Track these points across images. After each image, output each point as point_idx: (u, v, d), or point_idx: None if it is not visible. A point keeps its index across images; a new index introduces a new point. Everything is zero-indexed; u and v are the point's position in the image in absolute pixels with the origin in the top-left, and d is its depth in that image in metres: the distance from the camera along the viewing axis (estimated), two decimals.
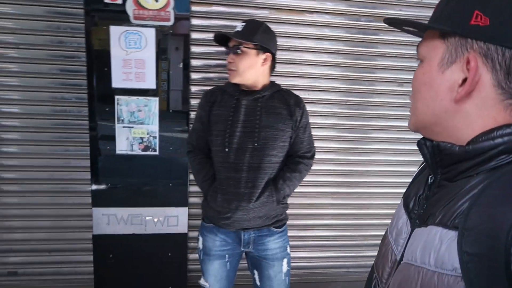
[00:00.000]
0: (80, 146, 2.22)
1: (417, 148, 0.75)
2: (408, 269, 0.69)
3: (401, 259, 0.73)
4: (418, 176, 0.88)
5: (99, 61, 2.04)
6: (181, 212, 2.27)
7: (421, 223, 0.71)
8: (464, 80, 0.63)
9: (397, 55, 2.45)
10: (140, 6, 1.99)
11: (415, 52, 0.76)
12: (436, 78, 0.67)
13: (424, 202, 0.74)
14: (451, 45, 0.65)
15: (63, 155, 2.27)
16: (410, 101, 0.76)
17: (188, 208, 2.33)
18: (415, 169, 0.92)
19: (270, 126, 1.73)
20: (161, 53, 2.07)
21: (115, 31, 2.00)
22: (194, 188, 2.37)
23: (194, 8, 2.17)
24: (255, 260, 1.85)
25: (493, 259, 0.53)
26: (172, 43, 2.08)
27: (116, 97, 2.07)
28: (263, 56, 1.72)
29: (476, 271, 0.55)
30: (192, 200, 2.38)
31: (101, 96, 2.08)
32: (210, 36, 2.23)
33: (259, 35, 1.69)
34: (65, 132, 2.24)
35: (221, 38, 1.74)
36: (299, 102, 1.81)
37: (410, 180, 0.89)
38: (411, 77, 0.75)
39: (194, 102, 2.27)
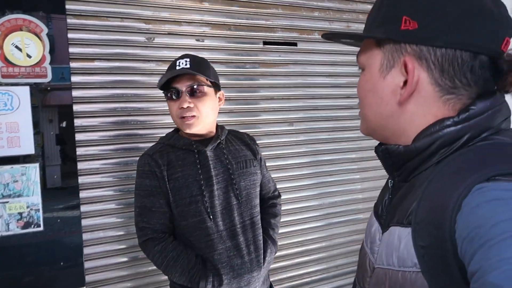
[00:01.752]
0: None
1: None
2: (378, 273, 0.70)
3: None
4: (385, 184, 0.90)
5: None
6: None
7: (385, 226, 0.74)
8: (405, 82, 0.67)
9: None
10: (9, 63, 1.75)
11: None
12: (378, 84, 0.71)
13: (388, 206, 0.77)
14: (387, 51, 0.69)
15: None
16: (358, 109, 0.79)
17: None
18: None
19: (244, 172, 1.51)
20: (40, 112, 1.83)
21: None
22: (91, 264, 2.05)
23: (74, 64, 2.00)
24: None
25: (442, 248, 0.55)
26: (52, 101, 1.86)
27: None
28: (218, 94, 1.52)
29: (431, 263, 0.56)
30: (90, 278, 2.04)
31: None
32: (92, 92, 2.08)
33: (211, 70, 1.46)
34: None
35: (166, 81, 1.41)
36: (253, 139, 1.65)
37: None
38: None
39: (82, 165, 2.02)
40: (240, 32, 2.43)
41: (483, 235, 0.49)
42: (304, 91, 2.62)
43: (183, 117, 1.42)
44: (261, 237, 1.54)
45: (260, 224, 1.56)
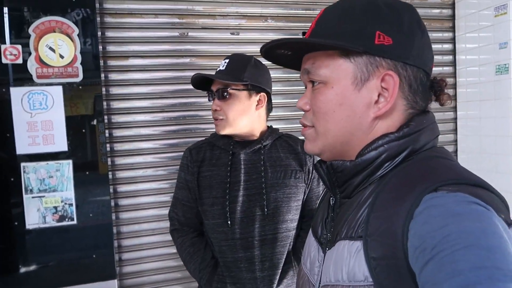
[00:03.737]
0: None
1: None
2: None
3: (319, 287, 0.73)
4: (321, 202, 0.90)
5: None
6: (110, 286, 2.00)
7: (331, 244, 0.72)
8: (378, 95, 0.67)
9: None
10: (44, 64, 1.83)
11: None
12: (351, 97, 0.68)
13: (331, 224, 0.76)
14: (360, 64, 0.67)
15: None
16: (305, 126, 0.76)
17: (119, 280, 2.07)
18: None
19: (279, 183, 1.39)
20: (72, 110, 1.90)
21: (17, 93, 1.82)
22: (125, 256, 2.12)
23: (107, 62, 2.05)
24: None
25: (395, 257, 0.56)
26: (84, 98, 1.93)
27: (22, 164, 1.84)
28: (256, 97, 1.40)
29: (385, 274, 0.57)
30: (124, 270, 2.12)
31: (4, 165, 1.84)
32: (127, 90, 2.12)
33: (248, 72, 1.37)
34: None
35: (201, 82, 1.41)
36: None
37: None
38: None
39: (114, 160, 2.09)
40: (277, 23, 2.31)
41: (435, 245, 0.50)
42: None
43: (215, 119, 1.41)
44: (283, 255, 1.41)
45: (287, 242, 1.42)
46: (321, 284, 0.72)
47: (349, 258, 0.63)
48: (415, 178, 0.61)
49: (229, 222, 1.35)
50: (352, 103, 0.69)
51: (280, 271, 1.40)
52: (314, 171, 1.48)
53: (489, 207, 0.54)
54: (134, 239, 2.15)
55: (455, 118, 2.61)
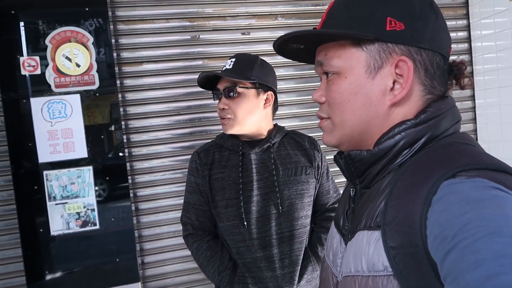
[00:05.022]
0: (9, 234, 1.98)
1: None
2: (345, 281, 0.68)
3: None
4: (343, 194, 0.89)
5: (21, 137, 1.87)
6: None
7: (351, 235, 0.71)
8: (393, 82, 0.67)
9: None
10: (61, 74, 1.88)
11: None
12: (366, 85, 0.68)
13: (351, 215, 0.75)
14: (372, 51, 0.66)
15: None
16: (321, 118, 0.75)
17: (142, 283, 2.09)
18: None
19: (291, 180, 1.40)
20: (90, 117, 1.94)
21: (37, 103, 1.87)
22: (148, 259, 2.15)
23: (122, 68, 2.09)
24: None
25: (414, 246, 0.55)
26: (101, 106, 1.96)
27: (45, 172, 1.89)
28: (264, 96, 1.41)
29: (403, 263, 0.56)
30: (146, 272, 2.15)
31: (27, 174, 1.89)
32: (142, 95, 2.15)
33: (255, 71, 1.38)
34: None
35: (206, 81, 1.42)
36: (315, 143, 1.51)
37: None
38: None
39: (133, 165, 2.12)
40: (288, 21, 2.31)
41: (455, 234, 0.48)
42: None
43: (222, 118, 1.41)
44: (301, 251, 1.41)
45: (303, 238, 1.42)
46: (342, 275, 0.71)
47: (368, 248, 0.63)
48: (432, 164, 0.59)
49: (245, 223, 1.36)
50: (367, 91, 0.68)
51: (299, 267, 1.41)
52: (323, 166, 1.49)
53: (511, 192, 0.51)
54: (156, 242, 2.18)
55: (474, 107, 2.56)
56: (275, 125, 1.51)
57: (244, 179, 1.38)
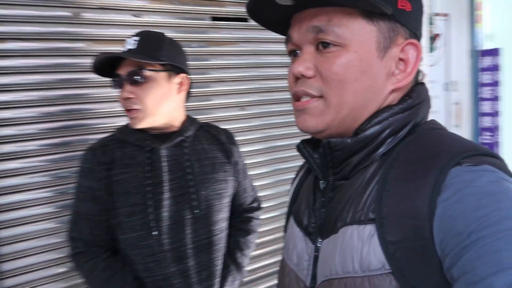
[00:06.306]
0: None
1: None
2: (331, 285, 0.60)
3: (313, 281, 0.65)
4: (298, 189, 0.81)
5: None
6: None
7: (328, 232, 0.65)
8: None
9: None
10: None
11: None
12: (376, 65, 0.61)
13: (322, 210, 0.68)
14: (383, 28, 0.61)
15: None
16: (311, 96, 0.64)
17: None
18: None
19: (209, 179, 1.24)
20: None
21: None
22: (10, 281, 1.76)
23: None
24: None
25: (420, 238, 0.51)
26: None
27: None
28: (177, 79, 1.22)
29: (406, 258, 0.52)
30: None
31: None
32: (2, 80, 1.73)
33: (165, 51, 1.18)
34: None
35: (106, 64, 1.17)
36: (231, 137, 1.37)
37: None
38: None
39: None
40: (184, 7, 2.14)
41: (472, 230, 0.46)
42: (257, 72, 2.41)
43: (127, 110, 1.18)
44: (220, 260, 1.30)
45: (222, 245, 1.31)
46: (319, 279, 0.64)
47: (362, 245, 0.57)
48: (430, 151, 0.56)
49: (155, 232, 1.17)
50: (375, 72, 0.61)
51: (219, 279, 1.28)
52: (240, 162, 1.39)
53: None
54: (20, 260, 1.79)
55: None
56: (188, 116, 1.33)
57: (153, 179, 1.19)
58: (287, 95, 2.48)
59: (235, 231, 1.40)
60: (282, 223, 2.48)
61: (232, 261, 1.35)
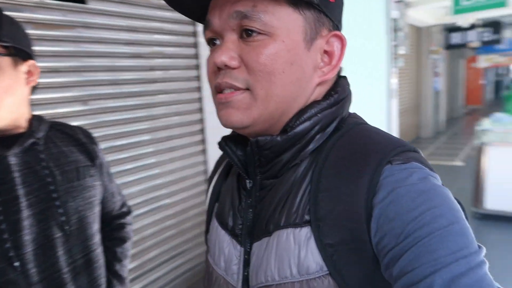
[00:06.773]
0: None
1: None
2: None
3: (245, 286, 0.63)
4: (219, 187, 0.76)
5: None
6: None
7: (259, 235, 0.62)
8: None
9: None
10: None
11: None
12: (303, 57, 0.58)
13: (249, 211, 0.64)
14: (309, 18, 0.58)
15: None
16: (235, 89, 0.59)
17: None
18: None
19: (75, 187, 1.04)
20: None
21: None
22: None
23: None
24: None
25: (357, 241, 0.51)
26: None
27: None
28: (24, 67, 0.97)
29: (344, 260, 0.52)
30: None
31: None
32: None
33: (6, 30, 0.92)
34: None
35: None
36: (91, 136, 1.15)
37: None
38: None
39: None
40: None
41: (409, 231, 0.47)
42: (99, 62, 2.15)
43: None
44: (102, 277, 1.12)
45: (102, 261, 1.13)
46: (252, 284, 0.61)
47: (299, 249, 0.55)
48: (361, 149, 0.56)
49: (15, 264, 0.92)
50: (303, 63, 0.58)
51: None
52: (105, 164, 1.22)
53: (436, 175, 0.54)
54: None
55: (200, 98, 2.78)
56: (33, 114, 1.09)
57: (3, 196, 0.93)
58: (135, 88, 2.30)
59: (109, 242, 1.23)
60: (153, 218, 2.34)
61: (113, 275, 1.19)
